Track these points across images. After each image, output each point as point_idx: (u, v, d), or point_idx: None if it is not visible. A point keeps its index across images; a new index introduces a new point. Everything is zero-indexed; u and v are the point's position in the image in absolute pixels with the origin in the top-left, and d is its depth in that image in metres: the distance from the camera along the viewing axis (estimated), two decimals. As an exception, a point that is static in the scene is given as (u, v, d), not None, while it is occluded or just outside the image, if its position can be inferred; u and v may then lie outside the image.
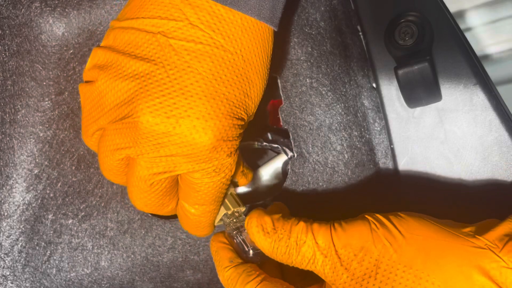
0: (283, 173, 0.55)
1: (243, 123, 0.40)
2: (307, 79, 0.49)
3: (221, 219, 0.45)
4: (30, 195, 0.49)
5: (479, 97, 0.47)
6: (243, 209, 0.46)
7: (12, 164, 0.49)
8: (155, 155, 0.38)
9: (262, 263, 0.45)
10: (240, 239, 0.44)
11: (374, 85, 0.50)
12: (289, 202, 0.49)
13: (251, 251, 0.44)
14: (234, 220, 0.45)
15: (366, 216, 0.40)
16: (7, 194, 0.49)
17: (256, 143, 0.52)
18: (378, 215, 0.40)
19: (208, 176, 0.40)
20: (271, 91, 0.59)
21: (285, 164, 0.54)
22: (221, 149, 0.38)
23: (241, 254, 0.44)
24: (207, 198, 0.42)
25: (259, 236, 0.42)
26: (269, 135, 0.56)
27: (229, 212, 0.45)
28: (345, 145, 0.49)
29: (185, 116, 0.37)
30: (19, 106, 0.49)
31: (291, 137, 0.50)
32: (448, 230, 0.38)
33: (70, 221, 0.50)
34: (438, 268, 0.36)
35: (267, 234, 0.42)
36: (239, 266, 0.43)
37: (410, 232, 0.38)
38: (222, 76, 0.37)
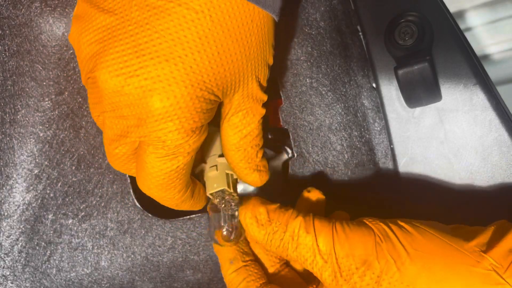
0: (283, 173, 0.55)
1: (211, 97, 0.36)
2: (307, 79, 0.49)
3: (216, 192, 0.44)
4: (30, 195, 0.49)
5: (479, 97, 0.47)
6: (236, 198, 0.45)
7: (12, 164, 0.49)
8: (112, 115, 0.36)
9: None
10: (222, 214, 0.43)
11: (374, 85, 0.50)
12: (289, 202, 0.49)
13: (224, 230, 0.43)
14: (227, 198, 0.44)
15: (370, 225, 0.39)
16: (7, 194, 0.49)
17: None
18: (382, 225, 0.39)
19: (159, 159, 0.36)
20: (271, 91, 0.59)
21: (285, 164, 0.54)
22: (171, 121, 0.34)
23: (215, 226, 0.43)
24: (159, 184, 0.38)
25: (252, 228, 0.41)
26: (269, 135, 0.56)
27: (228, 191, 0.44)
28: (345, 145, 0.49)
29: (134, 75, 0.34)
30: (19, 106, 0.49)
31: (291, 137, 0.50)
32: (453, 246, 0.37)
33: (70, 221, 0.50)
34: (442, 280, 0.35)
35: (261, 226, 0.41)
36: (241, 271, 0.43)
37: (415, 248, 0.37)
38: (181, 36, 0.33)
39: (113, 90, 0.34)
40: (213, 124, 0.44)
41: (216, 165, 0.45)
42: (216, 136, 0.46)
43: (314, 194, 0.45)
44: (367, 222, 0.39)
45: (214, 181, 0.44)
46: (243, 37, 0.36)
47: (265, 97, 0.41)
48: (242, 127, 0.41)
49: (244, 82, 0.38)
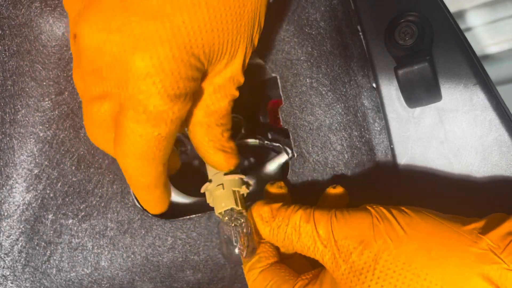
0: (283, 173, 0.55)
1: (197, 63, 0.34)
2: (307, 79, 0.49)
3: (225, 211, 0.45)
4: (30, 195, 0.49)
5: (479, 97, 0.47)
6: (245, 214, 0.46)
7: (12, 164, 0.49)
8: (92, 77, 0.34)
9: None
10: (233, 232, 0.44)
11: (374, 85, 0.50)
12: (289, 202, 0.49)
13: (236, 249, 0.44)
14: (236, 216, 0.45)
15: (369, 207, 0.40)
16: (7, 194, 0.49)
17: (257, 141, 0.52)
18: (381, 208, 0.40)
19: (140, 124, 0.34)
20: (271, 91, 0.59)
21: (285, 163, 0.54)
22: (153, 84, 0.32)
23: (227, 246, 0.44)
24: (137, 152, 0.35)
25: (259, 225, 0.43)
26: (269, 135, 0.56)
27: (236, 209, 0.45)
28: (345, 145, 0.49)
29: (116, 31, 0.32)
30: (19, 106, 0.49)
31: (291, 137, 0.50)
32: (451, 228, 0.37)
33: (70, 221, 0.50)
34: (438, 268, 0.36)
35: (266, 223, 0.43)
36: (258, 248, 0.45)
37: (412, 228, 0.38)
38: None
39: (93, 47, 0.33)
40: None
41: (222, 184, 0.45)
42: None
43: (338, 190, 0.46)
44: (367, 206, 0.40)
45: (222, 200, 0.45)
46: (236, 6, 0.34)
47: (242, 80, 0.40)
48: (210, 103, 0.40)
49: (229, 54, 0.36)
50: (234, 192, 0.45)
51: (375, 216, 0.39)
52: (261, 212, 0.43)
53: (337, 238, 0.39)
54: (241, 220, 0.44)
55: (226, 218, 0.45)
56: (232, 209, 0.45)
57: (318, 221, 0.40)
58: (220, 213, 0.45)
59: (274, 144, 0.52)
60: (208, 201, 0.47)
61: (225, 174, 0.46)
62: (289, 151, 0.51)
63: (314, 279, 0.42)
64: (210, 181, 0.47)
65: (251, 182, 0.48)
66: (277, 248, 0.46)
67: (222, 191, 0.45)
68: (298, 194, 0.50)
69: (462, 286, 0.35)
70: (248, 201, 0.47)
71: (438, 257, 0.36)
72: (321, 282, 0.41)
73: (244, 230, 0.44)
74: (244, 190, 0.46)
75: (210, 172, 0.47)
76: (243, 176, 0.46)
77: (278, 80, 0.49)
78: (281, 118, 0.50)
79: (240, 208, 0.45)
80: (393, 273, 0.36)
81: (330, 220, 0.40)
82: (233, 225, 0.44)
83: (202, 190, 0.47)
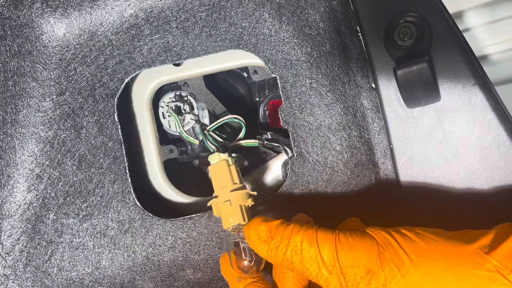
0: (283, 173, 0.55)
1: None
2: (307, 80, 0.49)
3: (233, 227, 0.46)
4: (31, 195, 0.50)
5: (477, 97, 0.47)
6: (240, 221, 0.46)
7: (14, 164, 0.49)
8: None
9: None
10: (241, 247, 0.45)
11: (373, 85, 0.50)
12: (289, 201, 0.49)
13: (245, 262, 0.44)
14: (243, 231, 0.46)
15: (373, 234, 0.39)
16: (9, 193, 0.50)
17: (257, 141, 0.53)
18: (385, 234, 0.39)
19: None
20: (271, 91, 0.59)
21: (285, 163, 0.55)
22: None
23: (236, 259, 0.45)
24: None
25: (255, 244, 0.42)
26: (269, 135, 0.56)
27: (243, 223, 0.46)
28: (344, 145, 0.49)
29: None
30: (20, 106, 0.49)
31: (291, 137, 0.50)
32: (456, 250, 0.37)
33: (71, 220, 0.50)
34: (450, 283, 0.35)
35: (263, 242, 0.42)
36: (249, 287, 0.44)
37: (417, 254, 0.37)
38: None
39: None
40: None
41: (229, 200, 0.46)
42: (225, 168, 0.47)
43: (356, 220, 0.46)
44: (369, 232, 0.40)
45: (230, 215, 0.46)
46: None
47: None
48: None
49: None
50: (241, 207, 0.46)
51: (380, 244, 0.38)
52: (258, 231, 0.42)
53: (342, 265, 0.38)
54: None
55: (234, 232, 0.45)
56: (239, 225, 0.45)
57: (322, 245, 0.39)
58: (228, 228, 0.46)
59: (274, 144, 0.53)
60: (215, 214, 0.48)
61: (232, 190, 0.46)
62: (289, 151, 0.52)
63: None
64: (216, 196, 0.47)
65: (255, 193, 0.48)
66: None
67: (229, 207, 0.46)
68: (297, 194, 0.50)
69: None
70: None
71: (446, 283, 0.36)
72: None
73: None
74: (249, 203, 0.47)
75: (216, 185, 0.48)
76: (248, 190, 0.47)
77: (278, 81, 0.49)
78: (281, 118, 0.50)
79: (247, 222, 0.45)
80: None
81: (335, 245, 0.39)
82: (241, 239, 0.45)
83: (208, 204, 0.48)
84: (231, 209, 0.46)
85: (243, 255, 0.45)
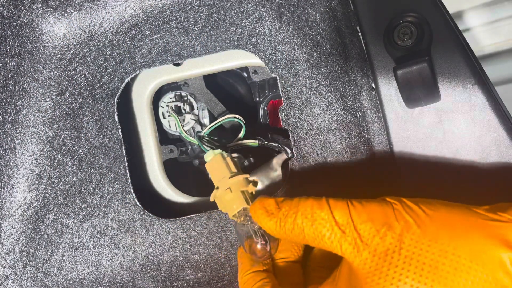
0: (283, 173, 0.55)
1: None
2: (307, 80, 0.49)
3: (239, 212, 0.45)
4: (31, 195, 0.50)
5: (477, 97, 0.47)
6: (244, 205, 0.46)
7: (14, 164, 0.49)
8: None
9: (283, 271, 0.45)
10: (251, 230, 0.44)
11: (373, 85, 0.50)
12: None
13: (259, 245, 0.44)
14: (250, 215, 0.45)
15: (386, 198, 0.39)
16: (9, 193, 0.50)
17: (257, 141, 0.53)
18: (398, 197, 0.39)
19: None
20: (271, 91, 0.60)
21: (285, 163, 0.55)
22: None
23: (250, 246, 0.44)
24: None
25: (263, 218, 0.41)
26: (269, 135, 0.56)
27: (248, 207, 0.45)
28: (344, 145, 0.49)
29: None
30: (20, 106, 0.49)
31: (290, 137, 0.50)
32: (469, 208, 0.37)
33: (71, 220, 0.50)
34: (464, 242, 0.35)
35: (271, 215, 0.40)
36: (260, 273, 0.43)
37: (432, 210, 0.37)
38: None
39: None
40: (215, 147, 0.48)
41: (229, 187, 0.46)
42: (220, 160, 0.47)
43: None
44: (386, 198, 0.39)
45: (233, 203, 0.45)
46: None
47: None
48: None
49: None
50: (243, 192, 0.46)
51: (393, 203, 0.38)
52: (265, 205, 0.41)
53: (356, 223, 0.37)
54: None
55: (242, 218, 0.45)
56: (244, 209, 0.45)
57: (334, 207, 0.38)
58: (234, 216, 0.45)
59: (274, 144, 0.53)
60: (220, 208, 0.47)
61: (230, 177, 0.46)
62: (289, 151, 0.52)
63: (330, 279, 0.41)
64: (217, 188, 0.47)
65: (257, 179, 0.48)
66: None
67: (230, 194, 0.45)
68: (297, 194, 0.50)
69: (490, 257, 0.35)
70: None
71: (463, 232, 0.36)
72: (337, 279, 0.40)
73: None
74: (251, 189, 0.47)
75: (215, 179, 0.48)
76: (247, 176, 0.47)
77: (278, 81, 0.49)
78: (281, 118, 0.50)
79: (245, 204, 0.45)
80: (420, 251, 0.36)
81: (348, 206, 0.38)
82: (249, 223, 0.44)
83: (211, 199, 0.47)
84: (232, 196, 0.45)
85: (254, 239, 0.44)
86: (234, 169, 0.47)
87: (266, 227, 0.41)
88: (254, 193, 0.47)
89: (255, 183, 0.48)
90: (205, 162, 0.52)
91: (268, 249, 0.44)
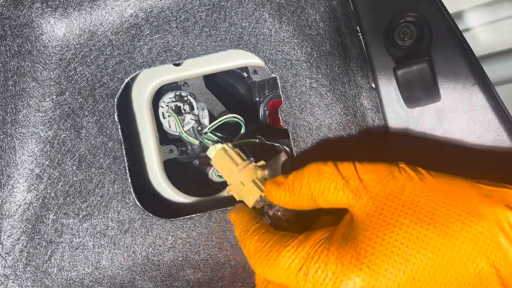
0: (283, 173, 0.55)
1: None
2: (307, 80, 0.49)
3: (256, 202, 0.45)
4: (31, 195, 0.50)
5: (478, 97, 0.47)
6: (260, 193, 0.46)
7: (14, 164, 0.49)
8: None
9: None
10: (274, 212, 0.45)
11: (373, 85, 0.50)
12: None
13: (285, 223, 0.44)
14: (267, 201, 0.45)
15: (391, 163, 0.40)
16: (8, 193, 0.50)
17: (257, 140, 0.53)
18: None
19: None
20: (271, 91, 0.59)
21: (285, 163, 0.55)
22: None
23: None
24: None
25: (274, 191, 0.42)
26: (269, 135, 0.56)
27: (263, 196, 0.45)
28: (344, 145, 0.49)
29: None
30: (20, 106, 0.49)
31: (291, 137, 0.50)
32: (471, 180, 0.38)
33: (71, 220, 0.50)
34: (462, 197, 0.36)
35: (280, 184, 0.42)
36: (258, 220, 0.43)
37: (435, 173, 0.39)
38: None
39: None
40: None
41: (241, 181, 0.46)
42: (223, 155, 0.48)
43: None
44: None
45: (248, 194, 0.46)
46: None
47: None
48: None
49: None
50: (254, 181, 0.46)
51: (399, 164, 0.39)
52: (274, 180, 0.43)
53: (360, 173, 0.39)
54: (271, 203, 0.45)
55: (260, 206, 0.45)
56: (261, 197, 0.45)
57: (339, 164, 0.40)
58: (254, 207, 0.45)
59: (274, 144, 0.53)
60: (238, 200, 0.47)
61: (238, 171, 0.46)
62: (289, 151, 0.52)
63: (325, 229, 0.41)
64: (230, 184, 0.47)
65: (264, 163, 0.48)
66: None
67: (243, 187, 0.46)
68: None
69: (488, 213, 0.35)
70: None
71: (462, 189, 0.37)
72: (334, 229, 0.40)
73: (281, 208, 0.44)
74: (261, 174, 0.47)
75: (224, 174, 0.48)
76: (253, 163, 0.47)
77: (278, 81, 0.49)
78: (281, 118, 0.50)
79: (261, 192, 0.45)
80: (419, 199, 0.37)
81: (353, 163, 0.40)
82: (269, 208, 0.45)
83: (227, 194, 0.48)
84: (246, 189, 0.46)
85: (278, 221, 0.44)
86: (239, 160, 0.47)
87: (277, 198, 0.42)
88: (266, 176, 0.47)
89: (263, 167, 0.48)
90: (205, 162, 0.52)
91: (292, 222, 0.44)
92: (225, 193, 0.53)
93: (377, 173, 0.39)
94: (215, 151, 0.49)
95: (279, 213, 0.45)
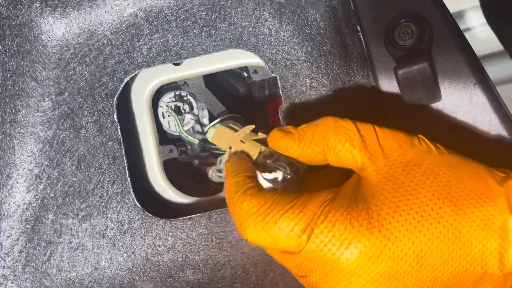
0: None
1: None
2: (307, 79, 0.49)
3: (260, 153, 0.42)
4: (30, 195, 0.49)
5: (478, 97, 0.47)
6: (261, 148, 0.43)
7: (13, 164, 0.49)
8: None
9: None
10: (279, 165, 0.41)
11: (373, 85, 0.50)
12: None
13: (289, 174, 0.40)
14: (265, 153, 0.42)
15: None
16: (8, 194, 0.49)
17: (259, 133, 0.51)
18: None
19: None
20: (271, 91, 0.59)
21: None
22: None
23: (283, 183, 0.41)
24: None
25: (281, 139, 0.39)
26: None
27: (262, 150, 0.42)
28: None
29: None
30: (19, 106, 0.49)
31: (291, 137, 0.50)
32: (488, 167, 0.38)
33: (71, 221, 0.50)
34: (479, 178, 0.36)
35: (289, 133, 0.39)
36: (252, 178, 0.39)
37: (454, 152, 0.38)
38: None
39: None
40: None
41: (241, 140, 0.44)
42: (222, 128, 0.48)
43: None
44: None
45: (250, 149, 0.43)
46: None
47: None
48: None
49: None
50: (255, 139, 0.44)
51: (418, 135, 0.38)
52: (282, 128, 0.39)
53: (380, 135, 0.37)
54: (276, 153, 0.41)
55: (264, 159, 0.41)
56: (265, 152, 0.42)
57: (358, 123, 0.38)
58: (256, 162, 0.42)
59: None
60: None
61: (238, 135, 0.45)
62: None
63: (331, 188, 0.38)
64: (230, 148, 0.45)
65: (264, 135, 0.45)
66: None
67: (244, 144, 0.43)
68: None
69: (501, 199, 0.35)
70: None
71: (478, 171, 0.37)
72: (338, 191, 0.37)
73: (284, 158, 0.40)
74: (262, 135, 0.44)
75: (225, 144, 0.46)
76: (252, 126, 0.45)
77: (278, 80, 0.49)
78: (281, 118, 0.50)
79: (263, 146, 0.42)
80: (438, 171, 0.36)
81: (373, 125, 0.38)
82: (272, 160, 0.41)
83: (227, 159, 0.44)
84: (248, 145, 0.43)
85: (283, 171, 0.40)
86: (238, 128, 0.47)
87: (283, 147, 0.39)
88: (266, 137, 0.44)
89: (262, 131, 0.45)
90: (205, 162, 0.52)
91: (298, 176, 0.40)
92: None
93: (396, 140, 0.37)
94: (214, 129, 0.48)
95: (284, 170, 0.40)
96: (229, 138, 0.46)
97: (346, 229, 0.34)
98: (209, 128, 0.50)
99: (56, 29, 0.48)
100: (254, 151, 0.42)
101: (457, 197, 0.35)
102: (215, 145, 0.51)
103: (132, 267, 0.50)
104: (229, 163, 0.41)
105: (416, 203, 0.35)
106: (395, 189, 0.35)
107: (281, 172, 0.40)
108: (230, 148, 0.45)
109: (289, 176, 0.40)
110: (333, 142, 0.37)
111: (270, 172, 0.40)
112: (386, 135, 0.37)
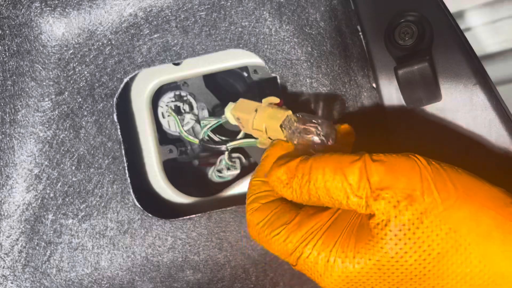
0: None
1: None
2: (307, 79, 0.49)
3: (284, 121, 0.41)
4: (30, 195, 0.49)
5: (479, 97, 0.47)
6: (289, 112, 0.42)
7: (12, 164, 0.49)
8: None
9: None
10: (301, 131, 0.41)
11: (374, 85, 0.50)
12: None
13: (316, 138, 0.40)
14: (293, 120, 0.41)
15: (412, 156, 0.36)
16: (7, 194, 0.49)
17: (257, 140, 0.51)
18: (430, 160, 0.36)
19: None
20: (271, 91, 0.59)
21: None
22: None
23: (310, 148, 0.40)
24: None
25: (279, 189, 0.39)
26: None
27: (290, 114, 0.41)
28: (345, 145, 0.49)
29: None
30: (19, 106, 0.49)
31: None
32: (501, 199, 0.35)
33: (70, 221, 0.50)
34: (483, 242, 0.34)
35: (286, 185, 0.38)
36: (267, 185, 0.40)
37: (463, 186, 0.35)
38: None
39: None
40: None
41: (268, 104, 0.43)
42: (245, 100, 0.45)
43: (345, 128, 0.42)
44: (410, 155, 0.36)
45: (276, 113, 0.42)
46: None
47: None
48: None
49: None
50: (277, 108, 0.43)
51: (422, 166, 0.35)
52: (278, 175, 0.38)
53: (374, 188, 0.34)
54: (296, 116, 0.41)
55: (289, 125, 0.41)
56: (288, 116, 0.41)
57: (348, 170, 0.35)
58: (281, 126, 0.41)
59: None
60: (258, 129, 0.44)
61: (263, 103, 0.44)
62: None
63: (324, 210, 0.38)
64: (256, 110, 0.44)
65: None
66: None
67: (271, 109, 0.43)
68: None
69: (506, 265, 0.33)
70: None
71: (486, 232, 0.33)
72: (339, 216, 0.38)
73: (306, 118, 0.40)
74: (285, 108, 0.43)
75: (248, 115, 0.44)
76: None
77: (278, 80, 0.49)
78: (281, 118, 0.50)
79: (283, 114, 0.41)
80: (435, 236, 0.34)
81: (365, 166, 0.35)
82: (297, 125, 0.41)
83: (251, 125, 0.44)
84: (273, 110, 0.42)
85: (315, 136, 0.40)
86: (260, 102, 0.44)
87: (286, 196, 0.39)
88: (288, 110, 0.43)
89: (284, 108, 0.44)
90: (205, 162, 0.52)
91: (332, 138, 0.40)
92: (224, 193, 0.53)
93: (394, 193, 0.34)
94: (229, 109, 0.46)
95: (313, 127, 0.40)
96: (252, 106, 0.44)
97: (328, 262, 0.36)
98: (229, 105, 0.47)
99: (56, 29, 0.48)
100: (280, 114, 0.41)
101: (449, 267, 0.35)
102: (215, 144, 0.51)
103: (132, 267, 0.50)
104: (266, 153, 0.42)
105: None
106: (384, 250, 0.35)
107: (311, 138, 0.40)
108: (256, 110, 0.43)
109: (316, 138, 0.40)
110: (328, 201, 0.37)
111: (298, 137, 0.41)
112: (382, 185, 0.35)
